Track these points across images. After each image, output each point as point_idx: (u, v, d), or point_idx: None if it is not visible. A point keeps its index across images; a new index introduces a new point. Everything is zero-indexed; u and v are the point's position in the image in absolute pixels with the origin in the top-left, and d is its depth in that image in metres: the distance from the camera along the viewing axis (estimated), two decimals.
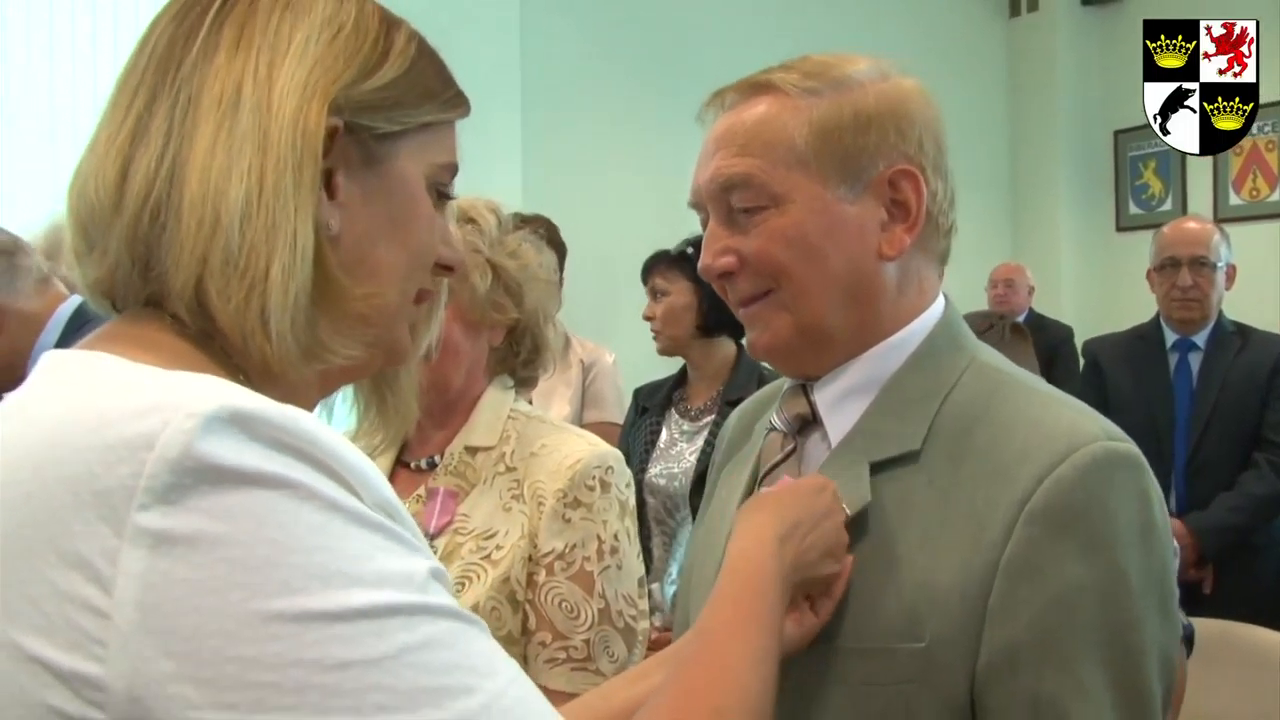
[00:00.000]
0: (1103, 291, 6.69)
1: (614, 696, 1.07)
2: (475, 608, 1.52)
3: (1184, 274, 3.44)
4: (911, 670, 1.00)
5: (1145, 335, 3.61)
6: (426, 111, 0.85)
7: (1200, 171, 6.49)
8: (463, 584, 1.55)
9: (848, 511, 1.04)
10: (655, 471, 3.07)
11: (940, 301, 1.17)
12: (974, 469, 1.03)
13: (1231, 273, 3.49)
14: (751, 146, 1.08)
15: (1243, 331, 3.52)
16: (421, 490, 1.66)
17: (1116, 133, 6.75)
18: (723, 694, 0.86)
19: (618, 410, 3.51)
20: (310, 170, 0.76)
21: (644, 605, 1.62)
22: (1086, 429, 1.01)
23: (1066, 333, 5.28)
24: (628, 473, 1.66)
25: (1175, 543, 2.36)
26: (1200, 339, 3.49)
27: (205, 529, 0.62)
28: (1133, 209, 6.80)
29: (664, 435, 3.13)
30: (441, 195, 0.88)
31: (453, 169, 0.88)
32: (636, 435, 3.12)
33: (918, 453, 1.06)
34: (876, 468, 1.07)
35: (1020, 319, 5.31)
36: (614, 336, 4.04)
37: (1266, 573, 3.32)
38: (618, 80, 5.53)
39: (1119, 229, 6.79)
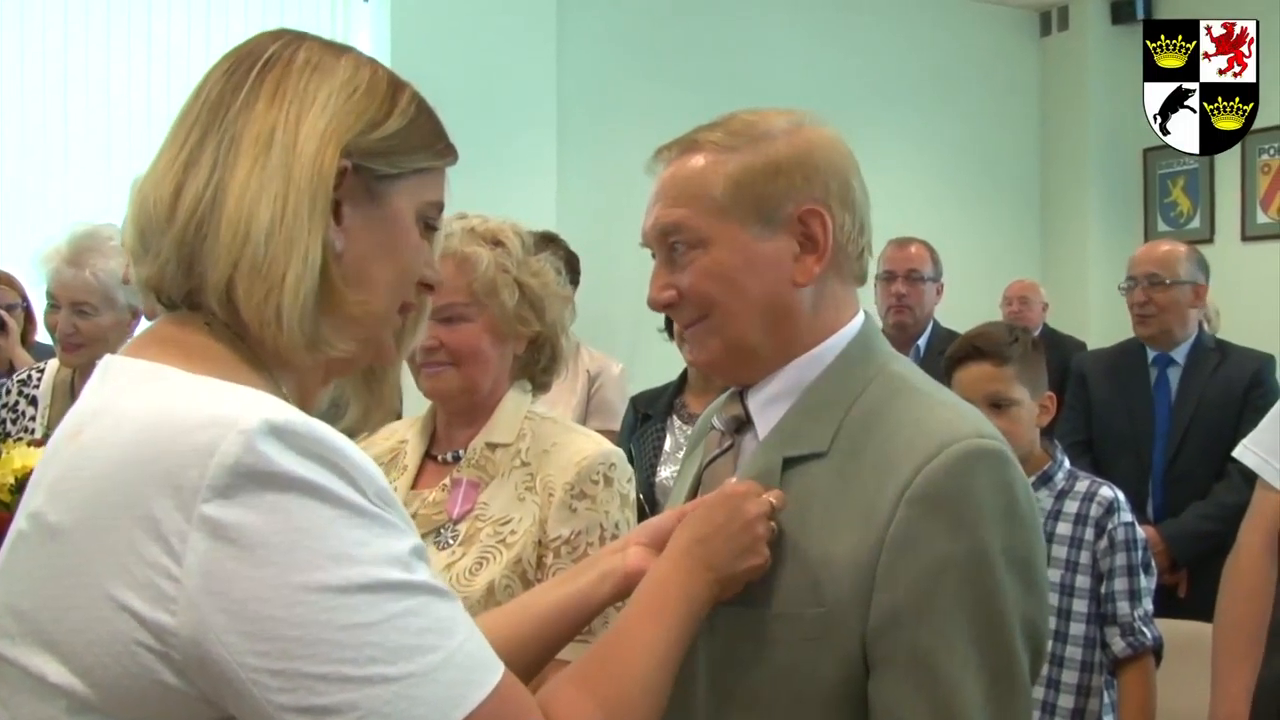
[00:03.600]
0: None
1: (542, 598, 1.30)
2: (491, 584, 1.72)
3: (1138, 291, 3.59)
4: (815, 630, 1.18)
5: (1129, 351, 3.73)
6: (420, 159, 1.05)
7: (1228, 190, 6.56)
8: (481, 563, 1.75)
9: (774, 503, 1.22)
10: (666, 474, 3.23)
11: (859, 318, 1.34)
12: (869, 461, 1.21)
13: (1200, 291, 3.58)
14: (681, 198, 1.29)
15: (1222, 348, 3.63)
16: (447, 480, 1.86)
17: (1146, 150, 6.84)
18: (614, 677, 1.08)
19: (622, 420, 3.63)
20: (323, 201, 0.97)
21: None
22: (959, 428, 1.19)
23: (1080, 348, 5.39)
24: (629, 469, 1.84)
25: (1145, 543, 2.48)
26: (1179, 355, 3.60)
27: (251, 520, 0.84)
28: (1161, 226, 6.87)
29: (669, 441, 3.28)
30: (429, 226, 1.09)
31: (439, 206, 1.09)
32: (643, 441, 3.27)
33: (825, 452, 1.24)
34: (790, 462, 1.26)
35: (1034, 334, 5.43)
36: (649, 349, 4.15)
37: None
38: (652, 95, 5.66)
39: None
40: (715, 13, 6.16)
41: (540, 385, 1.96)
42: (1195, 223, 6.72)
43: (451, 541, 1.79)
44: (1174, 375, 3.61)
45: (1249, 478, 3.40)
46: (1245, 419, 3.42)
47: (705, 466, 1.38)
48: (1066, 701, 2.39)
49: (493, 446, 1.84)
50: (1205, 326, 3.85)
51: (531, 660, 1.25)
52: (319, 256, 0.97)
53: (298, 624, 0.83)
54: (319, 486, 0.86)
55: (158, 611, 0.84)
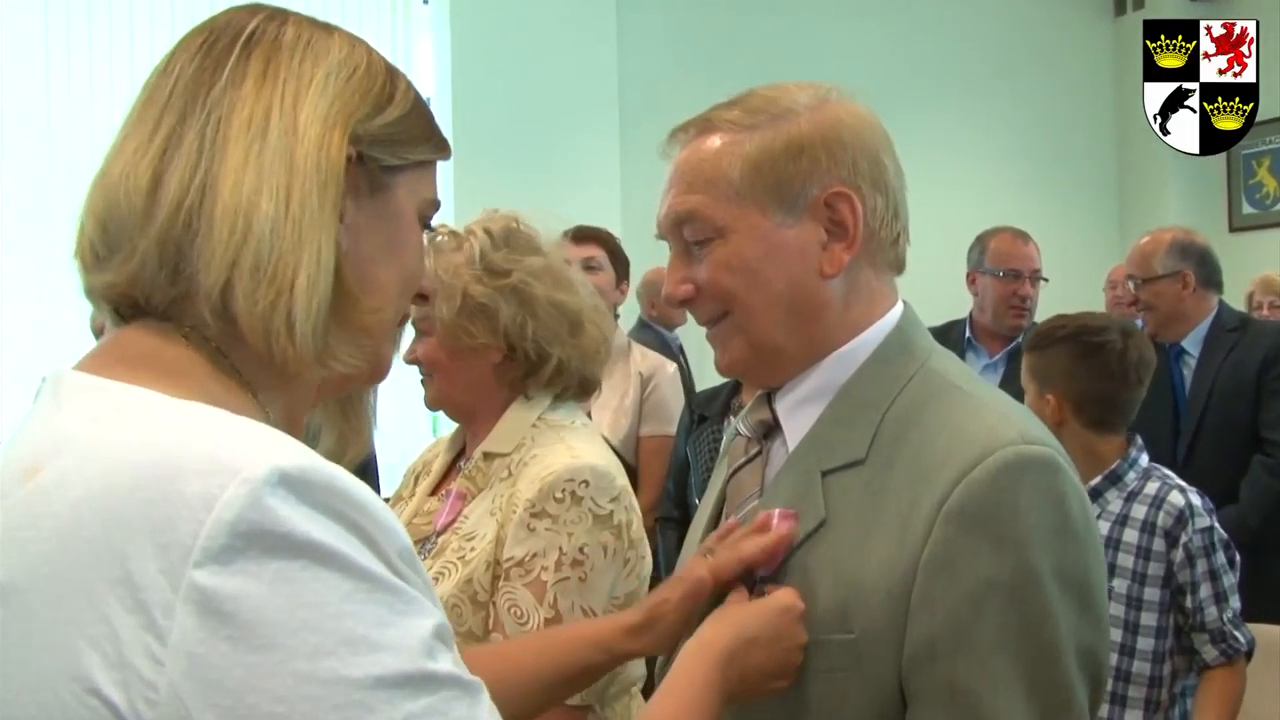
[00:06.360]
0: None
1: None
2: (442, 601, 1.61)
3: (1128, 293, 3.57)
4: (843, 660, 1.07)
5: (1153, 343, 3.58)
6: (422, 151, 0.94)
7: None
8: (438, 579, 1.63)
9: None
10: None
11: (897, 309, 1.22)
12: (903, 472, 1.09)
13: (1187, 279, 3.44)
14: (696, 183, 1.18)
15: (1244, 327, 3.46)
16: (445, 491, 1.78)
17: None
18: None
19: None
20: (333, 192, 0.85)
21: None
22: (1003, 434, 1.07)
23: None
24: (615, 488, 1.65)
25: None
26: (1193, 344, 3.45)
27: (251, 591, 0.69)
28: (1246, 208, 6.63)
29: (725, 443, 3.17)
30: (426, 227, 0.97)
31: (436, 205, 0.97)
32: (699, 444, 3.15)
33: (863, 460, 1.12)
34: (826, 475, 1.13)
35: (1138, 321, 5.22)
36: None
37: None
38: (714, 94, 5.53)
39: (1232, 229, 6.62)
40: (774, 8, 6.06)
41: (572, 392, 1.80)
42: None
43: (427, 554, 1.69)
44: (1188, 366, 3.46)
45: (1274, 471, 3.26)
46: (1262, 404, 3.25)
47: (730, 477, 1.27)
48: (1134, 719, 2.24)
49: (489, 457, 1.73)
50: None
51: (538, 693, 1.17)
52: (332, 256, 0.84)
53: None
54: (334, 553, 0.72)
55: (135, 700, 0.69)
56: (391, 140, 0.91)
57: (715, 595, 1.19)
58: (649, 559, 1.72)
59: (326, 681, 0.70)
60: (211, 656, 0.69)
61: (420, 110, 0.94)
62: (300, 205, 0.83)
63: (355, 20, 5.04)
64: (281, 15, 0.90)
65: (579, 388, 1.81)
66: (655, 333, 4.71)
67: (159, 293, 0.84)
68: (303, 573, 0.71)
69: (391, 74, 0.93)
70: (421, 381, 1.79)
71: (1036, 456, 1.06)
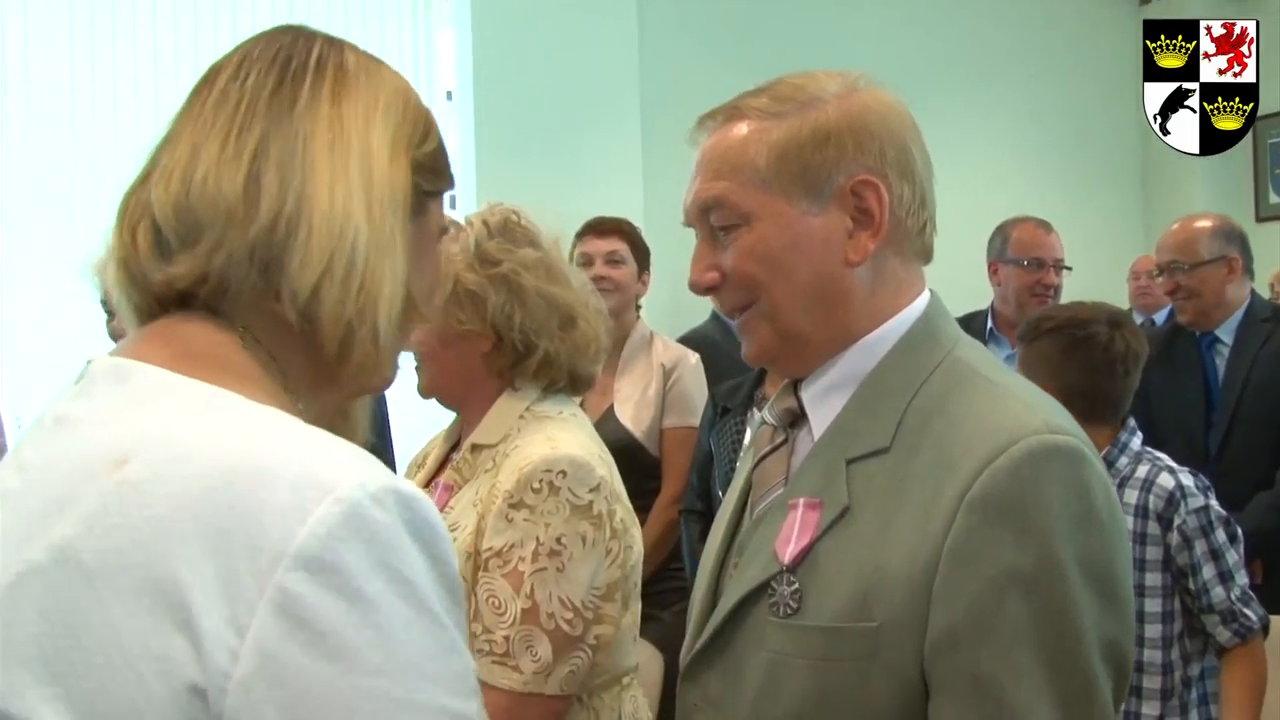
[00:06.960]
0: None
1: None
2: None
3: (1166, 280, 3.47)
4: (865, 648, 1.07)
5: (1179, 331, 3.51)
6: (445, 180, 1.02)
7: None
8: None
9: None
10: None
11: (923, 298, 1.22)
12: (927, 461, 1.09)
13: (1234, 264, 3.38)
14: (723, 170, 1.19)
15: (1277, 316, 3.40)
16: (435, 482, 1.79)
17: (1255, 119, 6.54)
18: None
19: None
20: (403, 211, 0.94)
21: (590, 613, 1.62)
22: (1027, 422, 1.07)
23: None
24: (594, 478, 1.65)
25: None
26: (1227, 332, 3.39)
27: (329, 604, 0.76)
28: (1273, 198, 6.56)
29: (750, 434, 3.15)
30: None
31: (446, 229, 1.07)
32: (722, 436, 3.13)
33: (887, 448, 1.12)
34: (851, 463, 1.14)
35: (1164, 312, 5.17)
36: None
37: None
38: (736, 85, 5.51)
39: (1259, 219, 6.54)
40: None
41: (571, 382, 1.81)
42: None
43: None
44: (1221, 355, 3.41)
45: None
46: None
47: (756, 465, 1.28)
48: (1151, 709, 2.22)
49: (477, 449, 1.74)
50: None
51: None
52: (405, 271, 0.93)
53: None
54: (406, 579, 0.79)
55: (210, 687, 0.75)
56: (431, 168, 0.99)
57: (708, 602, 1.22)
58: (637, 548, 1.72)
59: (378, 697, 0.76)
60: (282, 657, 0.75)
61: (443, 143, 1.03)
62: (381, 219, 0.92)
63: (377, 14, 5.04)
64: (337, 42, 0.99)
65: (569, 382, 1.82)
66: (724, 325, 4.67)
67: (247, 288, 0.90)
68: (375, 595, 0.77)
69: (427, 109, 1.01)
70: (415, 369, 1.80)
71: (1061, 446, 1.06)
